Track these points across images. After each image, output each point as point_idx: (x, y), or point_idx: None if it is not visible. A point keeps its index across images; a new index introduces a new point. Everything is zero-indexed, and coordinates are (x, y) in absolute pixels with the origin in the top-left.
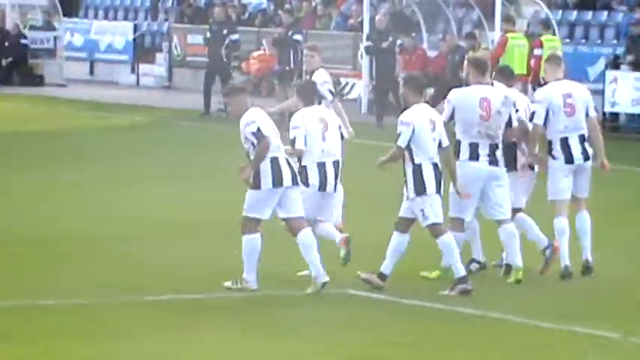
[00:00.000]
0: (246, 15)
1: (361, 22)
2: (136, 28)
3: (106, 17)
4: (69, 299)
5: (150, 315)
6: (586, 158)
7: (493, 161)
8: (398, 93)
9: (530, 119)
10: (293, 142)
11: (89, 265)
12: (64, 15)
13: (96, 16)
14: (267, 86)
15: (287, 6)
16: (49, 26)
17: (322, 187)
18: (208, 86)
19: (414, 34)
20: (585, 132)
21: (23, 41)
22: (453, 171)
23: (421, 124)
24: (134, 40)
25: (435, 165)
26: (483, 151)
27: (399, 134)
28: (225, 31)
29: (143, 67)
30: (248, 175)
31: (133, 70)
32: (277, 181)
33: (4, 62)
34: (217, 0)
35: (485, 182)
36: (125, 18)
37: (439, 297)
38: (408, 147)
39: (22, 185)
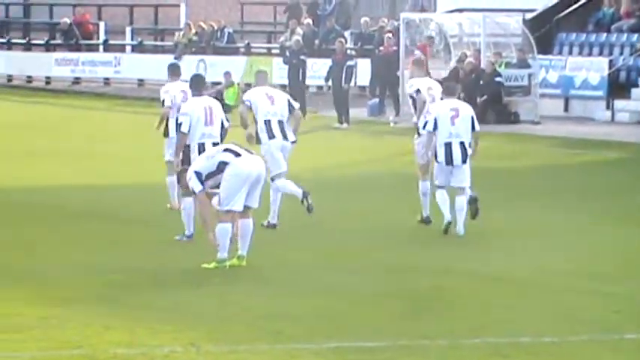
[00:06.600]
0: None
1: None
2: (611, 63)
3: (580, 53)
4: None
5: None
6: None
7: None
8: None
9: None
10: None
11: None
12: (539, 52)
13: (570, 52)
14: None
15: None
16: (523, 64)
17: None
18: None
19: None
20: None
21: (498, 79)
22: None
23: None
24: (609, 75)
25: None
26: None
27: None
28: None
29: (618, 103)
30: None
31: (608, 106)
32: None
33: (478, 100)
34: None
35: None
36: (600, 54)
37: None
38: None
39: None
